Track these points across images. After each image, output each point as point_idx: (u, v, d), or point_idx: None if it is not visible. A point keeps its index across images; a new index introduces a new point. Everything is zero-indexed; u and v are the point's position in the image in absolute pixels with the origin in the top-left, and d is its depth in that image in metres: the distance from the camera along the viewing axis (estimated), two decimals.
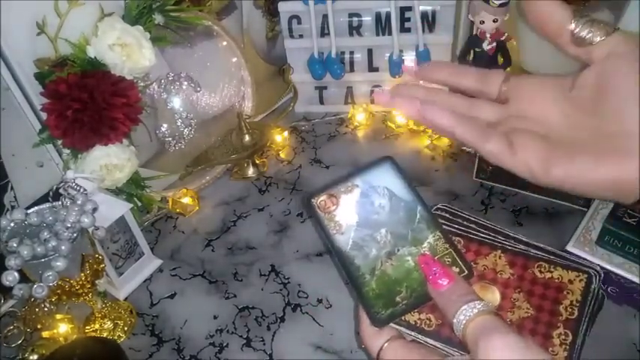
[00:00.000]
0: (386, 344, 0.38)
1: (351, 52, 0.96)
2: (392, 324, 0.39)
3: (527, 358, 0.30)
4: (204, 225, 0.81)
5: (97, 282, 0.62)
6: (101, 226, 0.59)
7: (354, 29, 0.94)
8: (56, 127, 0.65)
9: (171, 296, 0.71)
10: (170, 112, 0.80)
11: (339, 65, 0.94)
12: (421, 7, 0.88)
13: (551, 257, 0.42)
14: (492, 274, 0.42)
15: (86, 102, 0.65)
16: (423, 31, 0.90)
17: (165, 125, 0.81)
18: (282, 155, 0.93)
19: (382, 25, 0.92)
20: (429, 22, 0.90)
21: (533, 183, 0.35)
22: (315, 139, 0.96)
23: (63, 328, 0.65)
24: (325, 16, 0.92)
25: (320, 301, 0.68)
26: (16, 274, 0.52)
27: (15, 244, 0.53)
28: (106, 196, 0.69)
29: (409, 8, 0.89)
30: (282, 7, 0.94)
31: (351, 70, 0.97)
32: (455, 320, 0.34)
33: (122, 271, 0.71)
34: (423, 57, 0.91)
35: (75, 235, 0.56)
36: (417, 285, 0.38)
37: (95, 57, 0.67)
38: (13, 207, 0.68)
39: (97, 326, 0.66)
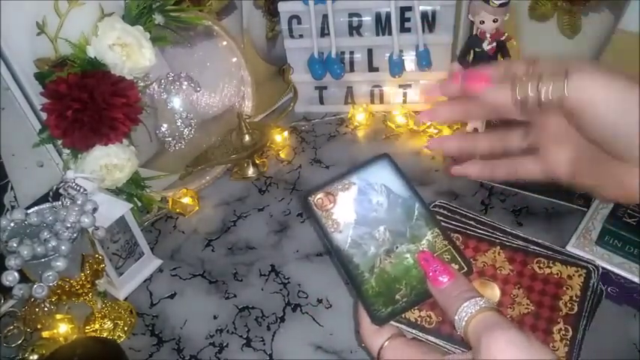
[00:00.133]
0: (386, 343, 0.38)
1: (351, 52, 0.96)
2: (392, 322, 0.39)
3: (530, 355, 0.30)
4: (204, 225, 0.81)
5: (97, 282, 0.62)
6: (101, 226, 0.59)
7: (354, 29, 0.94)
8: (56, 127, 0.65)
9: (171, 296, 0.71)
10: (170, 112, 0.80)
11: (339, 65, 0.94)
12: (421, 7, 0.88)
13: (550, 253, 0.42)
14: (492, 270, 0.42)
15: (86, 102, 0.65)
16: (423, 31, 0.90)
17: (165, 125, 0.81)
18: (282, 155, 0.93)
19: (382, 25, 0.92)
20: (429, 22, 0.90)
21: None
22: (315, 139, 0.96)
23: (63, 328, 0.65)
24: (325, 16, 0.92)
25: (320, 301, 0.68)
26: (16, 274, 0.52)
27: (15, 244, 0.53)
28: (106, 196, 0.69)
29: (409, 8, 0.89)
30: (282, 7, 0.94)
31: (351, 70, 0.97)
32: (456, 317, 0.34)
33: (122, 271, 0.71)
34: (423, 57, 0.91)
35: (75, 235, 0.56)
36: (416, 282, 0.38)
37: (95, 57, 0.67)
38: (13, 207, 0.68)
39: (97, 326, 0.66)
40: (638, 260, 0.59)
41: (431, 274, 0.37)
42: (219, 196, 0.87)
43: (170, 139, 0.81)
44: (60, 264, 0.53)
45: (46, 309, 0.66)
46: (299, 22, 0.95)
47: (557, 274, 0.41)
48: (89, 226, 0.56)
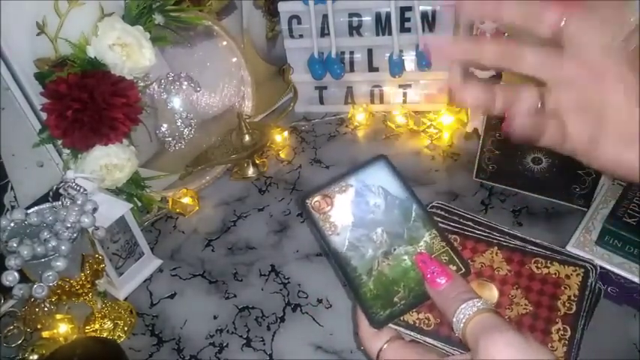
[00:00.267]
0: (385, 345, 0.38)
1: (351, 52, 0.96)
2: (391, 324, 0.39)
3: (528, 356, 0.30)
4: (204, 225, 0.81)
5: (97, 282, 0.62)
6: (101, 226, 0.59)
7: (354, 29, 0.94)
8: (56, 127, 0.65)
9: (171, 296, 0.71)
10: (170, 112, 0.80)
11: (339, 65, 0.94)
12: (421, 7, 0.88)
13: (548, 253, 0.42)
14: (489, 271, 0.42)
15: (86, 102, 0.65)
16: (423, 31, 0.90)
17: (165, 125, 0.81)
18: (282, 155, 0.93)
19: (382, 25, 0.92)
20: (429, 22, 0.90)
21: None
22: (315, 139, 0.96)
23: (63, 328, 0.65)
24: (325, 16, 0.92)
25: (320, 301, 0.68)
26: (16, 274, 0.52)
27: (15, 244, 0.53)
28: (106, 196, 0.69)
29: (409, 8, 0.89)
30: (282, 7, 0.94)
31: (351, 70, 0.97)
32: (454, 319, 0.34)
33: (122, 271, 0.71)
34: (423, 57, 0.91)
35: (75, 235, 0.56)
36: (414, 284, 0.38)
37: (95, 57, 0.67)
38: (13, 207, 0.68)
39: (97, 326, 0.66)
40: (638, 260, 0.59)
41: (429, 275, 0.37)
42: (219, 196, 0.87)
43: (170, 139, 0.81)
44: (60, 264, 0.53)
45: (46, 309, 0.66)
46: (299, 22, 0.95)
47: (555, 273, 0.41)
48: (89, 226, 0.56)
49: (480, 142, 0.78)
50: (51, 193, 0.62)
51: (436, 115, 0.94)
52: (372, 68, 0.97)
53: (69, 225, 0.55)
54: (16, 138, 0.67)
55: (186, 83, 0.77)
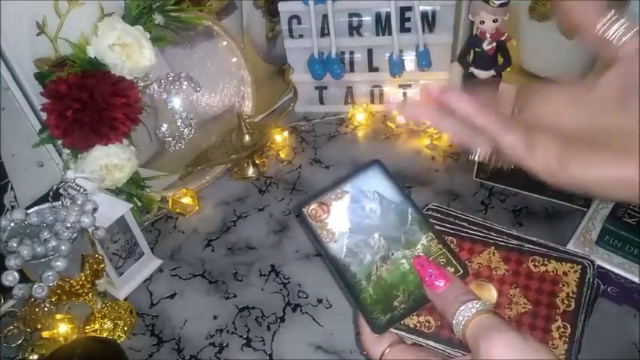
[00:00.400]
0: (387, 350, 0.38)
1: (351, 52, 0.96)
2: (392, 329, 0.39)
3: (528, 356, 0.30)
4: (204, 225, 0.81)
5: (97, 282, 0.62)
6: (101, 226, 0.59)
7: (354, 29, 0.94)
8: (56, 127, 0.65)
9: (171, 296, 0.71)
10: (170, 112, 0.80)
11: (339, 65, 0.94)
12: (421, 7, 0.88)
13: (545, 250, 0.42)
14: (487, 271, 0.42)
15: (86, 102, 0.65)
16: (423, 31, 0.90)
17: (165, 125, 0.81)
18: (282, 155, 0.93)
19: (382, 25, 0.92)
20: (429, 22, 0.90)
21: (550, 183, 0.34)
22: (315, 139, 0.96)
23: (63, 328, 0.65)
24: (325, 16, 0.92)
25: (320, 301, 0.68)
26: (16, 274, 0.52)
27: (15, 244, 0.53)
28: (106, 196, 0.69)
29: (409, 8, 0.89)
30: (282, 7, 0.94)
31: (351, 70, 0.97)
32: (454, 321, 0.34)
33: (122, 271, 0.71)
34: (423, 57, 0.91)
35: (75, 235, 0.56)
36: (413, 288, 0.38)
37: (95, 57, 0.67)
38: (13, 207, 0.68)
39: (97, 326, 0.66)
40: (638, 260, 0.59)
41: (427, 278, 0.37)
42: (219, 196, 0.87)
43: (170, 139, 0.81)
44: (60, 264, 0.53)
45: (46, 309, 0.66)
46: (299, 22, 0.95)
47: (553, 271, 0.41)
48: (89, 226, 0.56)
49: None
50: (51, 193, 0.62)
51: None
52: (372, 68, 0.97)
53: (69, 225, 0.55)
54: (16, 138, 0.67)
55: (186, 83, 0.77)
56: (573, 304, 0.40)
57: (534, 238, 0.43)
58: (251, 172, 0.89)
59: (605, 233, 0.61)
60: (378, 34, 0.93)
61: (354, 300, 0.39)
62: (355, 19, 0.93)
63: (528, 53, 0.89)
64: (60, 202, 0.58)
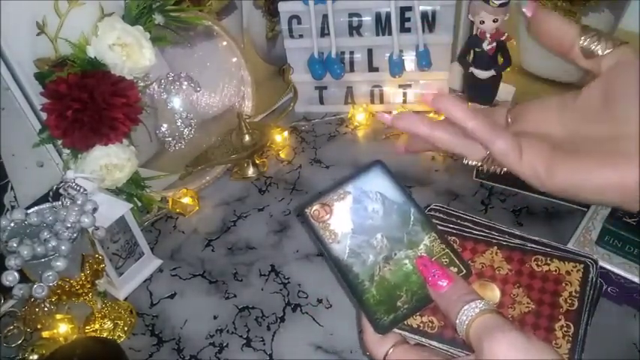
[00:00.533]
0: (390, 350, 0.38)
1: (351, 52, 0.96)
2: (395, 329, 0.39)
3: (532, 356, 0.30)
4: (204, 225, 0.81)
5: (97, 282, 0.62)
6: (101, 226, 0.59)
7: (354, 29, 0.94)
8: (56, 127, 0.65)
9: (171, 296, 0.71)
10: (170, 112, 0.80)
11: (339, 65, 0.94)
12: (421, 7, 0.88)
13: (548, 250, 0.42)
14: (490, 271, 0.42)
15: (86, 102, 0.65)
16: (423, 31, 0.90)
17: (165, 125, 0.81)
18: (282, 155, 0.93)
19: (382, 25, 0.92)
20: (429, 22, 0.90)
21: (538, 189, 0.35)
22: (315, 139, 0.96)
23: (63, 328, 0.65)
24: (325, 16, 0.92)
25: (320, 301, 0.68)
26: (16, 274, 0.52)
27: (15, 244, 0.53)
28: (106, 196, 0.69)
29: (409, 8, 0.89)
30: (282, 7, 0.94)
31: (351, 70, 0.97)
32: (457, 321, 0.34)
33: (122, 271, 0.71)
34: (423, 57, 0.91)
35: (75, 235, 0.56)
36: (417, 288, 0.38)
37: (95, 57, 0.67)
38: (13, 207, 0.68)
39: (97, 326, 0.66)
40: (638, 260, 0.59)
41: (430, 279, 0.37)
42: (219, 196, 0.87)
43: (170, 139, 0.81)
44: (60, 264, 0.53)
45: (46, 309, 0.66)
46: (299, 22, 0.95)
47: (556, 270, 0.41)
48: (89, 226, 0.56)
49: None
50: (51, 193, 0.62)
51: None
52: (372, 68, 0.97)
53: (69, 225, 0.55)
54: (16, 138, 0.67)
55: (186, 83, 0.77)
56: (576, 304, 0.40)
57: (537, 238, 0.43)
58: (251, 172, 0.89)
59: (605, 233, 0.61)
60: (378, 34, 0.93)
61: (357, 301, 0.39)
62: (355, 19, 0.93)
63: (528, 53, 0.89)
64: (60, 202, 0.58)
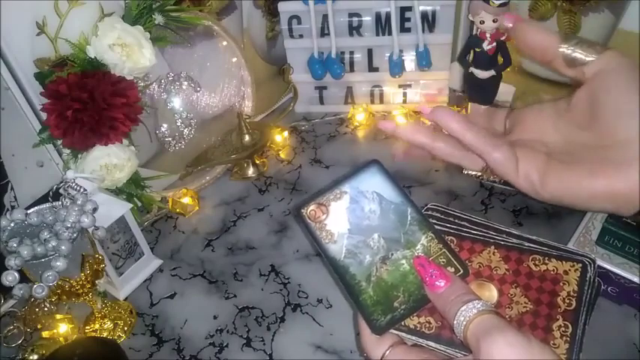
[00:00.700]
0: (388, 351, 0.38)
1: (351, 52, 0.96)
2: (392, 330, 0.39)
3: (530, 356, 0.30)
4: (204, 225, 0.81)
5: (97, 282, 0.62)
6: (101, 226, 0.59)
7: (354, 29, 0.94)
8: (56, 127, 0.65)
9: (171, 296, 0.71)
10: (170, 112, 0.80)
11: (339, 65, 0.94)
12: (421, 7, 0.88)
13: (545, 249, 0.42)
14: (488, 270, 0.42)
15: (86, 102, 0.65)
16: (423, 31, 0.90)
17: (165, 125, 0.81)
18: (282, 155, 0.93)
19: (382, 25, 0.92)
20: (429, 22, 0.90)
21: (534, 198, 0.36)
22: (315, 139, 0.96)
23: (63, 328, 0.65)
24: (325, 16, 0.92)
25: (320, 301, 0.68)
26: (16, 274, 0.52)
27: (15, 244, 0.53)
28: (106, 196, 0.69)
29: (409, 8, 0.89)
30: (282, 7, 0.94)
31: (351, 70, 0.97)
32: (455, 322, 0.34)
33: (122, 271, 0.71)
34: (423, 57, 0.91)
35: (75, 235, 0.56)
36: (414, 288, 0.38)
37: (95, 57, 0.67)
38: (13, 207, 0.68)
39: (97, 326, 0.66)
40: (638, 260, 0.59)
41: (427, 279, 0.37)
42: (219, 196, 0.87)
43: (170, 139, 0.81)
44: (60, 264, 0.53)
45: (46, 309, 0.66)
46: (299, 22, 0.95)
47: (554, 270, 0.41)
48: (89, 226, 0.56)
49: None
50: (51, 193, 0.62)
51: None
52: (372, 68, 0.97)
53: (69, 225, 0.55)
54: (16, 138, 0.67)
55: (186, 83, 0.77)
56: (574, 303, 0.40)
57: (534, 237, 0.43)
58: (251, 172, 0.89)
59: (605, 233, 0.61)
60: (378, 34, 0.93)
61: (353, 301, 0.39)
62: (355, 19, 0.93)
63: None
64: (60, 202, 0.58)
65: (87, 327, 0.67)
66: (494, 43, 0.81)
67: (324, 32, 0.94)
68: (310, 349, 0.63)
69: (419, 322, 0.40)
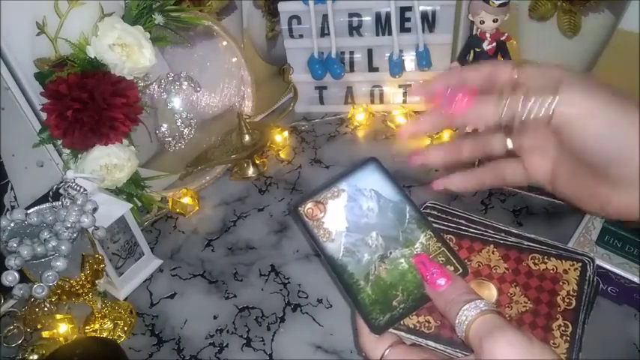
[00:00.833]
0: (387, 351, 0.38)
1: (351, 52, 0.96)
2: (391, 329, 0.38)
3: (532, 356, 0.30)
4: (204, 225, 0.81)
5: (97, 282, 0.62)
6: (101, 226, 0.59)
7: (354, 29, 0.94)
8: (56, 127, 0.65)
9: (171, 296, 0.71)
10: (170, 112, 0.80)
11: (339, 65, 0.94)
12: (421, 7, 0.89)
13: (544, 248, 0.42)
14: (487, 269, 0.42)
15: (86, 102, 0.65)
16: (423, 31, 0.90)
17: (165, 125, 0.81)
18: (282, 155, 0.93)
19: (382, 25, 0.92)
20: (429, 22, 0.90)
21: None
22: (315, 139, 0.96)
23: (63, 328, 0.65)
24: (325, 16, 0.92)
25: (320, 301, 0.68)
26: (16, 274, 0.52)
27: (15, 244, 0.53)
28: (106, 196, 0.69)
29: (409, 8, 0.89)
30: (282, 7, 0.94)
31: (351, 70, 0.97)
32: (457, 321, 0.34)
33: (122, 271, 0.71)
34: (423, 57, 0.91)
35: (75, 235, 0.56)
36: (412, 287, 0.38)
37: (95, 57, 0.67)
38: (13, 207, 0.68)
39: (97, 326, 0.66)
40: (638, 260, 0.59)
41: (428, 277, 0.37)
42: (219, 196, 0.87)
43: (170, 139, 0.81)
44: (60, 264, 0.53)
45: (46, 309, 0.66)
46: (299, 22, 0.95)
47: (553, 269, 0.41)
48: (89, 226, 0.56)
49: None
50: (51, 193, 0.62)
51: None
52: (372, 68, 0.97)
53: (69, 225, 0.55)
54: (16, 138, 0.67)
55: (186, 83, 0.77)
56: (574, 303, 0.39)
57: (532, 236, 0.43)
58: (251, 172, 0.89)
59: (605, 233, 0.61)
60: (378, 34, 0.93)
61: (352, 300, 0.39)
62: (355, 19, 0.93)
63: (528, 53, 0.89)
64: (60, 202, 0.58)
65: (87, 327, 0.67)
66: (494, 43, 0.81)
67: (324, 32, 0.94)
68: (310, 349, 0.63)
69: (418, 322, 0.39)
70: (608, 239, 0.61)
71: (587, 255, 0.41)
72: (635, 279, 0.59)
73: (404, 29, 0.92)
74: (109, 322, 0.67)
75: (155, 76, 0.76)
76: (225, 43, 0.87)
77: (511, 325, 0.32)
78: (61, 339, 0.65)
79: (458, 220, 0.44)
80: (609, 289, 0.61)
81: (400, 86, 0.97)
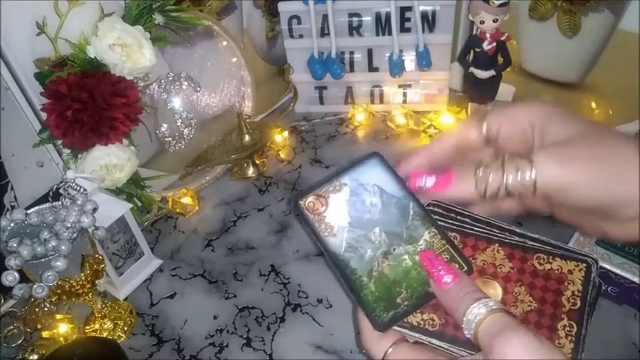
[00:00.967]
0: (390, 349, 0.37)
1: (351, 52, 0.96)
2: (394, 327, 0.38)
3: (542, 356, 0.30)
4: (204, 225, 0.81)
5: (97, 282, 0.62)
6: (101, 226, 0.59)
7: (354, 29, 0.94)
8: (56, 127, 0.65)
9: (171, 296, 0.71)
10: (170, 112, 0.80)
11: (339, 65, 0.94)
12: (421, 7, 0.88)
13: (549, 248, 0.42)
14: (492, 268, 0.41)
15: (86, 102, 0.65)
16: (423, 31, 0.90)
17: (165, 125, 0.81)
18: (282, 155, 0.93)
19: (382, 25, 0.92)
20: (429, 22, 0.90)
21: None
22: (315, 139, 0.96)
23: (63, 328, 0.65)
24: (325, 16, 0.92)
25: (320, 301, 0.68)
26: (16, 274, 0.52)
27: (15, 244, 0.53)
28: (106, 196, 0.69)
29: (409, 8, 0.89)
30: (282, 7, 0.94)
31: (351, 70, 0.97)
32: (464, 319, 0.33)
33: (122, 271, 0.71)
34: (423, 57, 0.91)
35: (75, 235, 0.56)
36: (417, 284, 0.37)
37: (95, 57, 0.67)
38: (13, 207, 0.68)
39: (97, 326, 0.66)
40: (638, 260, 0.59)
41: (435, 274, 0.36)
42: (219, 196, 0.87)
43: (170, 139, 0.81)
44: (60, 264, 0.53)
45: (46, 309, 0.66)
46: (299, 22, 0.95)
47: (558, 269, 0.41)
48: (89, 226, 0.56)
49: None
50: (51, 193, 0.62)
51: (436, 115, 0.94)
52: (372, 68, 0.97)
53: (69, 225, 0.55)
54: (16, 138, 0.67)
55: (186, 83, 0.77)
56: (579, 303, 0.39)
57: (536, 235, 0.43)
58: (251, 172, 0.89)
59: None
60: (378, 34, 0.93)
61: (354, 297, 0.38)
62: (355, 19, 0.93)
63: (528, 53, 0.89)
64: (60, 202, 0.58)
65: (87, 327, 0.67)
66: (494, 43, 0.81)
67: (324, 32, 0.94)
68: (310, 349, 0.63)
69: (422, 319, 0.39)
70: (608, 239, 0.61)
71: (591, 256, 0.41)
72: (635, 279, 0.59)
73: (404, 29, 0.92)
74: (109, 322, 0.67)
75: (155, 76, 0.76)
76: (225, 43, 0.87)
77: (521, 325, 0.32)
78: (61, 339, 0.65)
79: (462, 218, 0.44)
80: (609, 289, 0.61)
81: (400, 86, 0.97)
